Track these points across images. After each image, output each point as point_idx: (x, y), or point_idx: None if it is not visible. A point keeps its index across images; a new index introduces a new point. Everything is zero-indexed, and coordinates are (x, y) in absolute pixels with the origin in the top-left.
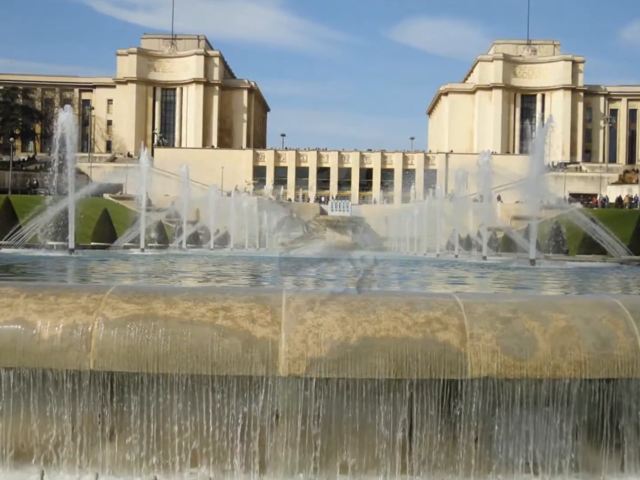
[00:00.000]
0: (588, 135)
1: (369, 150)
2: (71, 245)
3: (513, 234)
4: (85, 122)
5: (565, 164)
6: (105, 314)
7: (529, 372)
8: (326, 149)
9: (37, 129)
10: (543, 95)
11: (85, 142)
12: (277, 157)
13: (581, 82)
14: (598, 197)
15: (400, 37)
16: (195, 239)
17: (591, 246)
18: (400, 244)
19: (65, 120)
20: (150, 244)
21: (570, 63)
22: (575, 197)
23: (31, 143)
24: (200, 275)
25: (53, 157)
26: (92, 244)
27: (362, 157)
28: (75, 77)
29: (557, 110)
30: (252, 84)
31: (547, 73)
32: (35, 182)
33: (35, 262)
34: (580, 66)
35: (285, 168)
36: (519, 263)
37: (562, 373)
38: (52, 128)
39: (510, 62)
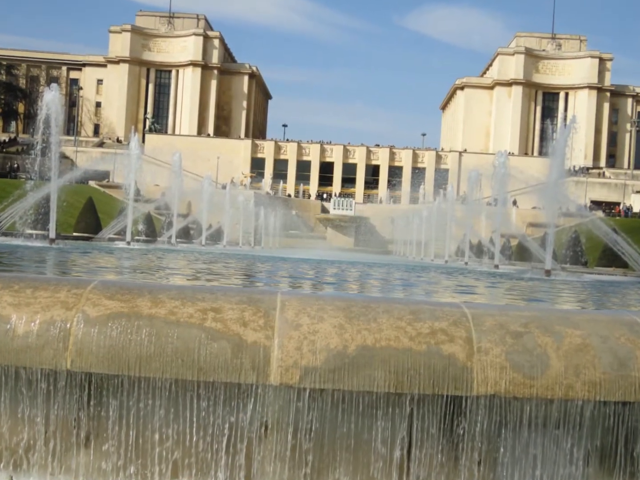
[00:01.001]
0: (613, 139)
1: (377, 145)
2: (52, 235)
3: (528, 242)
4: (72, 103)
5: (588, 168)
6: (85, 311)
7: (539, 391)
8: (330, 142)
9: (21, 108)
10: (566, 94)
11: (71, 125)
12: (278, 148)
13: (608, 81)
14: (621, 206)
15: (414, 25)
16: (185, 234)
17: (612, 258)
18: (406, 248)
19: (51, 100)
20: (137, 237)
21: (597, 60)
22: (596, 204)
23: (13, 123)
24: (189, 273)
25: (36, 139)
26: (74, 234)
27: (368, 152)
28: (64, 54)
29: (581, 110)
30: (254, 69)
31: (572, 70)
32: (16, 165)
33: (12, 251)
34: (608, 64)
35: (286, 161)
36: (533, 273)
37: (575, 394)
38: (36, 108)
39: (532, 57)
